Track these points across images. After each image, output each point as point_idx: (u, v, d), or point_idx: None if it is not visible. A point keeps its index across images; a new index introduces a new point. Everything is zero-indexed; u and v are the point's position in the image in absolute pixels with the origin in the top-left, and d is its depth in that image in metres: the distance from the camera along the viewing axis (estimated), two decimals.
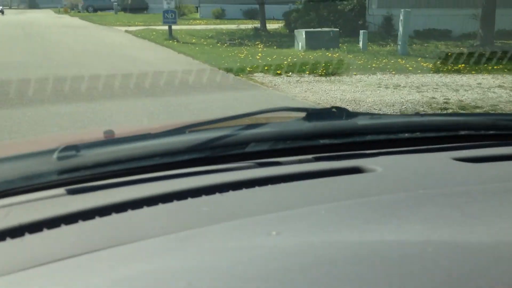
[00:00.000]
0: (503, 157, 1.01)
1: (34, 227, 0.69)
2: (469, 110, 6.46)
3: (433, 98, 7.11)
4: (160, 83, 8.03)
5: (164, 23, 16.18)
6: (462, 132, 1.12)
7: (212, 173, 0.89)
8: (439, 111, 6.23)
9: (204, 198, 0.79)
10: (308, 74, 9.34)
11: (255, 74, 9.46)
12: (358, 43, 13.62)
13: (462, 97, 7.25)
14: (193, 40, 15.99)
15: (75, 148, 0.86)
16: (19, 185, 0.82)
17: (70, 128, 5.34)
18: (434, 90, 7.72)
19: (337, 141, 1.03)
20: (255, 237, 0.65)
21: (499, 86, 8.07)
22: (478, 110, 6.43)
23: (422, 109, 6.46)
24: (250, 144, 0.96)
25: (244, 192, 0.82)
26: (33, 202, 0.79)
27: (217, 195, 0.80)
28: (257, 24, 19.74)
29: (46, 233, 0.69)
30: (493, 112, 6.11)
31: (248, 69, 9.76)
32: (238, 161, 0.96)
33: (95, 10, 40.13)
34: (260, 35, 17.57)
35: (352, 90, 7.73)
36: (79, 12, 42.09)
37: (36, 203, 0.79)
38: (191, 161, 0.92)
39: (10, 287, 0.57)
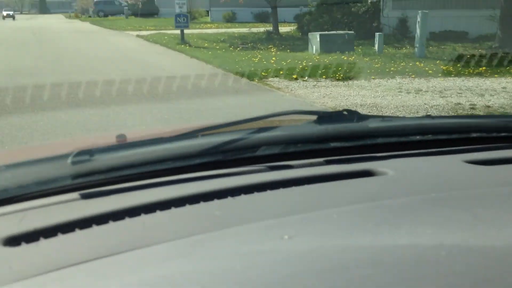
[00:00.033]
0: None
1: (49, 231, 0.70)
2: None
3: (459, 104, 6.84)
4: (174, 89, 7.85)
5: (176, 27, 16.03)
6: (474, 135, 1.11)
7: (224, 177, 0.90)
8: None
9: (216, 202, 0.79)
10: (325, 78, 9.11)
11: (271, 79, 9.25)
12: (373, 46, 13.36)
13: (488, 102, 6.97)
14: (205, 44, 15.82)
15: (89, 152, 0.86)
16: (34, 190, 0.82)
17: (83, 133, 5.18)
18: (458, 95, 7.44)
19: (348, 144, 1.02)
20: (268, 241, 0.66)
21: None
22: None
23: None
24: (261, 148, 0.96)
25: (256, 195, 0.82)
26: (48, 207, 0.79)
27: (229, 199, 0.80)
28: (269, 28, 19.55)
29: (60, 237, 0.69)
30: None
31: (263, 73, 9.55)
32: (249, 164, 0.96)
33: (106, 15, 40.24)
34: (272, 38, 17.37)
35: (372, 95, 7.48)
36: (89, 17, 42.27)
37: (50, 208, 0.79)
38: (202, 165, 0.92)
39: None
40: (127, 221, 0.73)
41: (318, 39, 13.19)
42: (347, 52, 12.60)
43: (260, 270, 0.58)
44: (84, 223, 0.72)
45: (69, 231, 0.70)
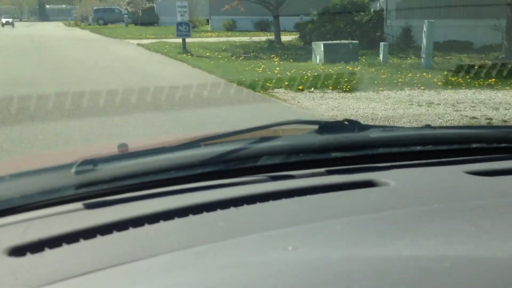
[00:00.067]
0: None
1: (54, 242, 0.70)
2: None
3: (474, 118, 6.61)
4: (177, 99, 7.63)
5: (178, 36, 15.82)
6: (474, 145, 1.11)
7: (226, 187, 0.90)
8: None
9: (219, 212, 0.80)
10: (332, 89, 8.89)
11: (276, 90, 9.03)
12: (378, 56, 13.18)
13: (504, 116, 6.74)
14: (207, 54, 15.62)
15: (93, 162, 0.86)
16: (37, 200, 0.82)
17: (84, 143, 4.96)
18: (472, 108, 7.22)
19: (349, 154, 1.03)
20: (272, 251, 0.66)
21: None
22: None
23: None
24: (263, 158, 0.97)
25: (258, 206, 0.82)
26: (51, 217, 0.79)
27: (232, 209, 0.81)
28: (270, 36, 19.37)
29: (65, 248, 0.69)
30: None
31: (267, 84, 9.32)
32: (251, 174, 0.96)
33: (105, 23, 40.08)
34: (274, 47, 17.18)
35: (383, 107, 7.25)
36: (89, 24, 42.15)
37: (54, 218, 0.79)
38: (204, 175, 0.92)
39: None
40: (131, 231, 0.73)
41: (322, 49, 13.00)
42: (351, 62, 12.40)
43: (265, 281, 0.59)
44: (89, 233, 0.72)
45: (73, 241, 0.70)
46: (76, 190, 0.83)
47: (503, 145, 1.12)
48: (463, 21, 16.47)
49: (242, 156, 0.95)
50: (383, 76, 10.26)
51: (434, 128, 1.21)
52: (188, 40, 16.07)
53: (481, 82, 9.15)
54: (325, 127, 1.04)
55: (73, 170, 0.83)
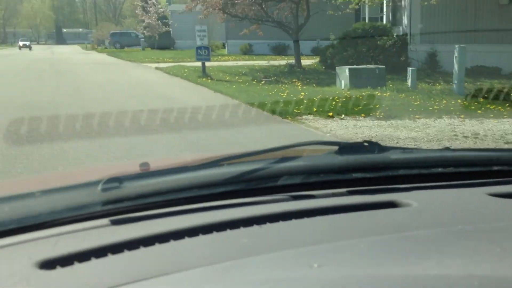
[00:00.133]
0: None
1: (82, 256, 0.72)
2: None
3: None
4: (200, 124, 7.23)
5: (198, 59, 15.56)
6: (496, 168, 1.12)
7: (248, 206, 0.92)
8: None
9: (242, 229, 0.81)
10: (364, 117, 8.42)
11: (304, 117, 8.59)
12: (404, 81, 12.73)
13: None
14: (227, 78, 15.29)
15: (118, 180, 0.88)
16: (66, 216, 0.84)
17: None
18: None
19: (370, 175, 1.03)
20: (297, 269, 0.66)
21: None
22: None
23: None
24: (283, 177, 0.98)
25: (281, 224, 0.84)
26: (79, 232, 0.81)
27: (255, 227, 0.82)
28: (290, 60, 19.05)
29: (94, 262, 0.71)
30: None
31: (295, 110, 8.90)
32: (271, 193, 0.97)
33: (122, 47, 40.32)
34: (295, 72, 16.83)
35: (425, 138, 6.75)
36: (106, 48, 42.43)
37: (82, 233, 0.81)
38: (226, 193, 0.94)
39: None
40: (157, 246, 0.75)
41: (347, 74, 12.58)
42: (379, 88, 11.94)
43: None
44: (116, 248, 0.74)
45: (102, 256, 0.72)
46: (103, 206, 0.85)
47: None
48: (490, 46, 15.99)
49: (263, 175, 0.97)
50: (415, 103, 9.77)
51: (454, 150, 1.23)
52: (206, 63, 15.80)
53: None
54: (345, 148, 1.05)
55: (99, 187, 0.86)
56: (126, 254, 0.72)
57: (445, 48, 15.36)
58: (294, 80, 14.65)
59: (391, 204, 0.93)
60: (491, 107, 9.03)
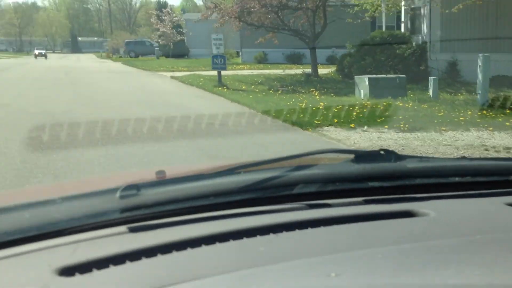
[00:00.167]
0: None
1: (101, 263, 0.72)
2: None
3: None
4: (217, 134, 7.01)
5: (214, 68, 15.41)
6: None
7: (264, 214, 0.92)
8: None
9: (259, 238, 0.81)
10: (387, 128, 8.14)
11: (325, 128, 8.33)
12: (425, 91, 12.42)
13: None
14: (243, 87, 15.09)
15: (136, 187, 0.88)
16: (85, 223, 0.84)
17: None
18: None
19: (386, 184, 1.03)
20: (315, 278, 0.66)
21: None
22: None
23: None
24: (299, 185, 0.98)
25: (297, 233, 0.83)
26: (98, 239, 0.81)
27: (272, 235, 0.82)
28: (306, 69, 18.82)
29: (112, 269, 0.71)
30: None
31: (315, 121, 8.63)
32: (287, 202, 0.97)
33: (137, 55, 40.44)
34: (312, 81, 16.58)
35: (455, 153, 6.44)
36: (120, 57, 42.60)
37: (100, 240, 0.81)
38: (242, 201, 0.94)
39: None
40: (175, 254, 0.75)
41: (367, 83, 12.30)
42: (399, 98, 11.64)
43: None
44: (134, 255, 0.74)
45: (120, 263, 0.72)
46: (121, 213, 0.85)
47: None
48: (510, 55, 15.61)
49: (279, 183, 0.97)
50: (440, 114, 9.46)
51: (471, 159, 1.23)
52: (222, 72, 15.65)
53: None
54: (362, 156, 1.05)
55: (117, 194, 0.86)
56: (144, 261, 0.73)
57: (466, 57, 15.01)
58: (311, 89, 14.40)
59: (408, 214, 0.93)
60: None
